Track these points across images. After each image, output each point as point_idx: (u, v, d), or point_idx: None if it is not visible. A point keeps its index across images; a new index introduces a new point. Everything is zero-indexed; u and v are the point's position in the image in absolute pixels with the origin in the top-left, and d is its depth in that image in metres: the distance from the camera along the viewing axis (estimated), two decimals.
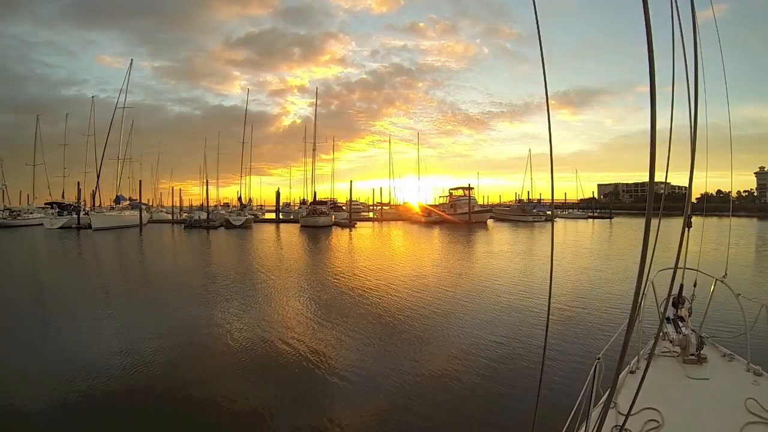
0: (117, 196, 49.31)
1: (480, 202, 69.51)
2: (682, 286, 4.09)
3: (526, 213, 61.91)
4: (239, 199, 56.65)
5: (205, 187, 56.25)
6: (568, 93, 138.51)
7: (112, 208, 48.45)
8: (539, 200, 73.70)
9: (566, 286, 13.31)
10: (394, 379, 6.51)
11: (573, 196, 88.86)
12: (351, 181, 53.62)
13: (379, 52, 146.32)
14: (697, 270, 4.22)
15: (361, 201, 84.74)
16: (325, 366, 7.15)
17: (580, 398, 2.88)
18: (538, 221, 59.26)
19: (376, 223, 59.10)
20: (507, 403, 5.81)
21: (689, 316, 4.01)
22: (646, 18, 1.27)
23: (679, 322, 3.77)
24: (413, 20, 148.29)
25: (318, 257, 23.40)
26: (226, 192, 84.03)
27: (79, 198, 48.79)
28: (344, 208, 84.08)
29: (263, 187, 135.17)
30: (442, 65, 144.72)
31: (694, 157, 2.02)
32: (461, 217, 54.78)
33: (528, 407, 5.33)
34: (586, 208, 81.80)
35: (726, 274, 4.56)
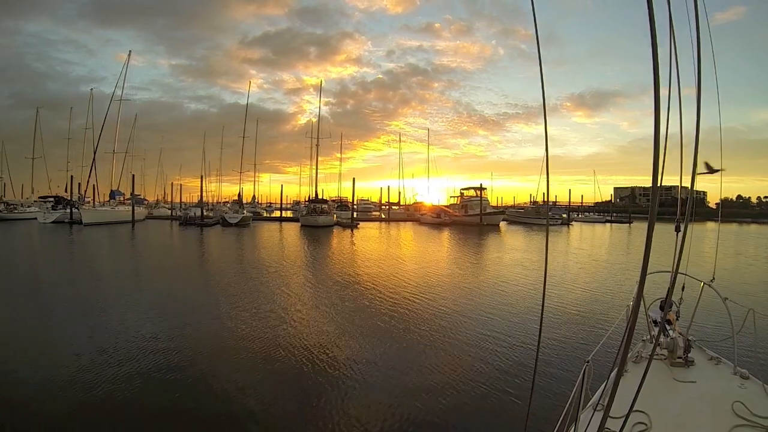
0: (112, 191, 45.74)
1: (493, 203, 64.33)
2: (670, 289, 3.02)
3: (540, 215, 56.16)
4: (239, 195, 52.39)
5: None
6: (583, 95, 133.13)
7: (120, 203, 44.76)
8: (554, 202, 67.96)
9: (567, 318, 9.95)
10: (387, 381, 6.28)
11: (590, 199, 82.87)
12: (354, 179, 49.07)
13: (395, 52, 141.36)
14: (685, 274, 3.72)
15: (372, 200, 79.97)
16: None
17: (569, 401, 2.70)
18: (553, 224, 53.78)
19: (383, 223, 54.45)
20: (499, 405, 5.57)
21: (677, 319, 3.87)
22: (651, 23, 1.26)
23: (667, 326, 3.61)
24: (429, 21, 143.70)
25: (300, 261, 19.31)
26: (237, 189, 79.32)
27: (71, 192, 45.30)
28: (354, 206, 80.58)
29: (278, 185, 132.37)
30: (457, 66, 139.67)
31: (696, 161, 1.99)
32: (472, 218, 49.72)
33: (521, 410, 5.25)
34: (603, 211, 75.91)
35: (714, 279, 4.19)
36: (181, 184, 69.20)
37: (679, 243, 2.10)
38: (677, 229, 3.04)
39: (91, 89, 50.16)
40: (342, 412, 5.38)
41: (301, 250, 24.91)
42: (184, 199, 60.93)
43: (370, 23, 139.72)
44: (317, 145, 49.63)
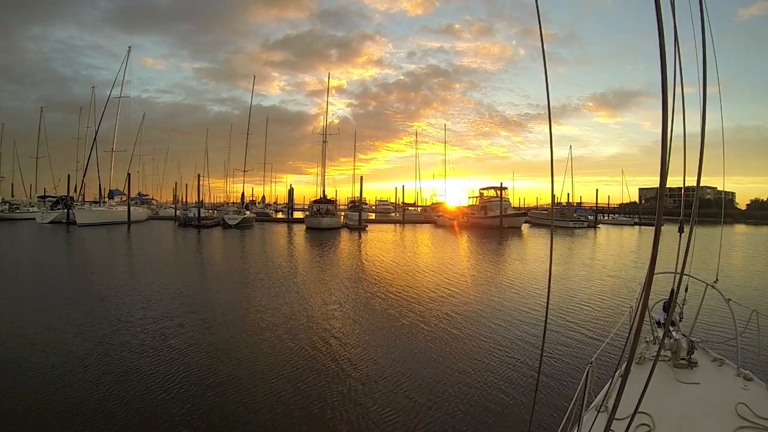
0: (110, 190, 41.78)
1: (515, 204, 58.10)
2: (673, 290, 3.43)
3: (565, 217, 49.87)
4: (242, 196, 47.65)
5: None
6: (605, 95, 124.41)
7: (119, 203, 41.03)
8: (579, 203, 61.37)
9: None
10: (392, 383, 6.09)
11: (617, 200, 75.70)
12: (361, 177, 44.00)
13: (416, 53, 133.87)
14: (688, 275, 3.35)
15: (392, 201, 74.50)
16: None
17: (572, 402, 2.66)
18: (579, 227, 47.73)
19: (397, 225, 49.04)
20: (504, 407, 5.40)
21: (680, 320, 3.77)
22: (659, 23, 1.22)
23: (670, 327, 3.43)
24: (449, 22, 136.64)
25: (270, 273, 14.42)
26: (259, 189, 74.16)
27: (68, 191, 41.79)
28: (373, 207, 75.23)
29: (300, 185, 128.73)
30: (478, 66, 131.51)
31: (702, 162, 1.93)
32: (492, 220, 43.96)
33: (525, 411, 5.18)
34: (630, 213, 68.82)
35: (717, 280, 3.91)
36: (186, 184, 64.55)
37: (683, 244, 2.10)
38: (680, 230, 2.85)
39: (93, 87, 46.52)
40: (349, 412, 5.23)
41: (284, 258, 20.25)
42: (177, 199, 56.64)
43: (390, 25, 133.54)
44: (325, 142, 44.92)
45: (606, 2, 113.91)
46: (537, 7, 1.55)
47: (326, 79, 50.14)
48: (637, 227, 54.36)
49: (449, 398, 5.62)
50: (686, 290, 3.97)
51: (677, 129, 2.09)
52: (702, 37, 1.93)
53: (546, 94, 1.62)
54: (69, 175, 42.88)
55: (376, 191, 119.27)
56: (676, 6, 1.54)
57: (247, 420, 5.06)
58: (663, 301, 3.80)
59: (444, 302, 11.22)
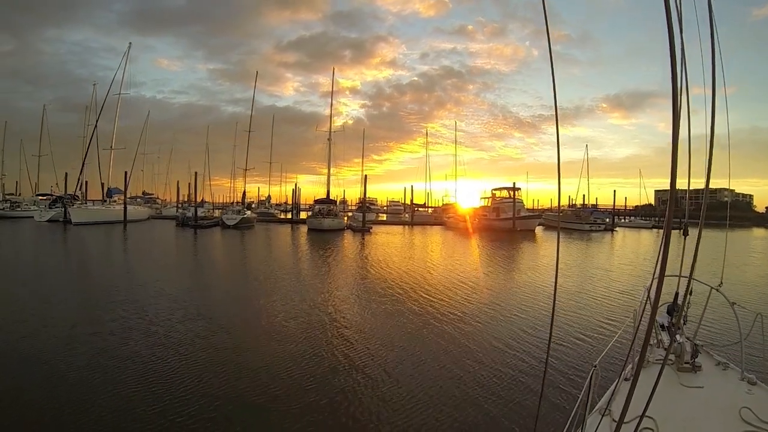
0: (108, 189, 39.76)
1: (529, 206, 54.49)
2: (677, 294, 3.53)
3: (581, 220, 46.41)
4: (242, 195, 45.25)
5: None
6: (619, 96, 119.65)
7: (103, 201, 38.94)
8: (595, 205, 57.74)
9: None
10: (396, 384, 6.03)
11: (633, 202, 71.64)
12: (365, 176, 41.42)
13: (429, 54, 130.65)
14: (693, 278, 3.22)
15: (403, 202, 71.25)
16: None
17: (576, 405, 2.61)
18: (596, 230, 44.32)
19: (406, 227, 46.14)
20: (508, 409, 5.30)
21: (684, 324, 3.65)
22: (669, 25, 1.21)
23: (674, 330, 3.44)
24: (462, 23, 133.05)
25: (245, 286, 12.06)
26: (274, 189, 71.30)
27: (65, 188, 40.01)
28: (384, 207, 72.46)
29: (312, 185, 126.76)
30: (491, 68, 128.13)
31: (710, 164, 1.88)
32: (505, 223, 40.83)
33: (529, 414, 5.08)
34: (648, 216, 64.85)
35: (721, 283, 3.86)
36: (189, 184, 62.47)
37: (688, 247, 2.01)
38: (684, 234, 2.86)
39: (94, 84, 44.64)
40: (351, 412, 5.18)
41: (268, 263, 17.68)
42: (177, 198, 54.40)
43: (403, 27, 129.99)
44: (329, 140, 42.16)
45: (619, 2, 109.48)
46: (544, 7, 1.55)
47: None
48: (655, 230, 50.78)
49: (454, 399, 5.59)
50: (690, 294, 3.60)
51: (692, 130, 2.10)
52: (711, 40, 1.89)
53: (553, 94, 1.61)
54: (67, 174, 41.37)
55: (388, 192, 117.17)
56: (685, 7, 1.52)
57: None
58: (667, 305, 3.58)
59: (447, 307, 10.59)
